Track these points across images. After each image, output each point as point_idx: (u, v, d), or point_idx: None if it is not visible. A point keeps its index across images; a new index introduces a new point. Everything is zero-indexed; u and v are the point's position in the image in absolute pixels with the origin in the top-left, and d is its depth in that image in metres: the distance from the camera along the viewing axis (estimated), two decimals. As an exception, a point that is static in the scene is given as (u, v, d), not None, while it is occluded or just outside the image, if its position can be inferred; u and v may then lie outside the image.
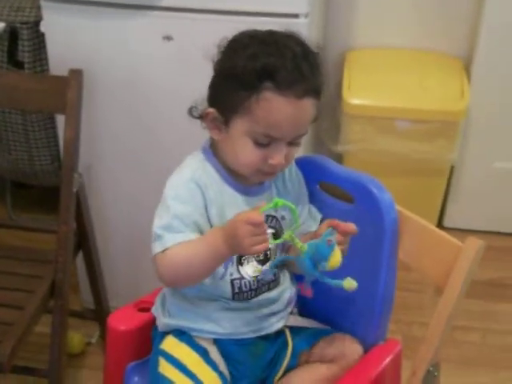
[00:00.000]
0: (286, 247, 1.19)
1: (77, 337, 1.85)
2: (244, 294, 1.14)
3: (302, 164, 1.23)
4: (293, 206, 1.01)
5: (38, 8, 1.67)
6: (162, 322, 1.19)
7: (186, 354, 1.14)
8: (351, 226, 1.05)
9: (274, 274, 1.18)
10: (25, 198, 2.41)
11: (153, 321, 1.23)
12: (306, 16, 1.51)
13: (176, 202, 1.07)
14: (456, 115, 2.08)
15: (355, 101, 2.08)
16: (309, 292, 1.08)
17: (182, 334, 1.16)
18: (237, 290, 1.14)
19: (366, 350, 1.20)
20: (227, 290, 1.13)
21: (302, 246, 1.03)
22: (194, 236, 1.06)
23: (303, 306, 1.27)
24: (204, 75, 1.08)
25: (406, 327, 1.94)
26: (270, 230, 1.13)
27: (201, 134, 1.14)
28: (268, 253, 1.15)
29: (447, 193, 2.33)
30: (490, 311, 2.05)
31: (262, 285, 1.16)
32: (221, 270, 1.11)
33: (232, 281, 1.13)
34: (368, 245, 1.16)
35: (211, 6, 1.51)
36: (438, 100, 2.09)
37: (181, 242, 1.05)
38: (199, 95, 1.10)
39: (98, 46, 1.59)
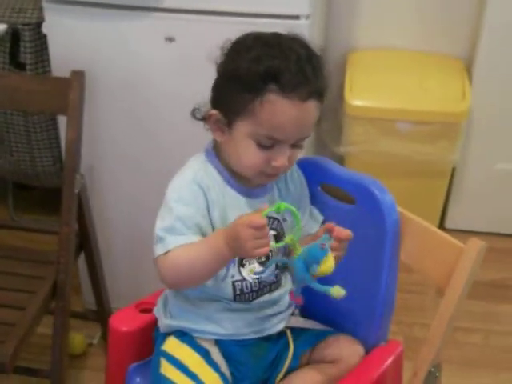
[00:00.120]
0: (287, 250, 1.19)
1: (78, 338, 1.85)
2: (245, 295, 1.14)
3: (304, 165, 1.23)
4: (295, 211, 1.01)
5: (40, 9, 1.68)
6: (164, 323, 1.19)
7: (188, 355, 1.14)
8: (345, 232, 1.04)
9: (276, 276, 1.18)
10: (26, 199, 2.41)
11: (154, 322, 1.23)
12: (308, 17, 1.51)
13: (179, 204, 1.07)
14: (458, 116, 2.08)
15: (357, 102, 2.09)
16: (299, 300, 1.07)
17: (183, 335, 1.16)
18: (238, 292, 1.14)
19: (367, 351, 1.20)
20: (228, 291, 1.13)
21: (299, 249, 1.02)
22: (196, 238, 1.06)
23: (305, 307, 1.26)
24: (206, 77, 1.08)
25: (407, 328, 1.94)
26: (271, 232, 1.13)
27: (202, 135, 1.14)
28: (270, 255, 1.15)
29: (449, 194, 2.32)
30: (492, 312, 2.05)
31: (264, 286, 1.16)
32: (222, 271, 1.11)
33: (233, 282, 1.13)
34: (369, 246, 1.16)
35: (213, 7, 1.51)
36: (440, 101, 2.09)
37: (183, 244, 1.05)
38: (201, 97, 1.10)
39: (100, 48, 1.59)
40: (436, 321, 1.10)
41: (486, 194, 2.31)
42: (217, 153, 1.14)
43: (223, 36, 1.09)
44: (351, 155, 2.15)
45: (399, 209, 1.16)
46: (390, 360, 1.18)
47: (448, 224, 2.36)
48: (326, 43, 2.21)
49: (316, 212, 1.23)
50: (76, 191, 1.55)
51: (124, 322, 1.24)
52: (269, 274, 1.16)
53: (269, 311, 1.18)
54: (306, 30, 1.48)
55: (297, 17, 1.50)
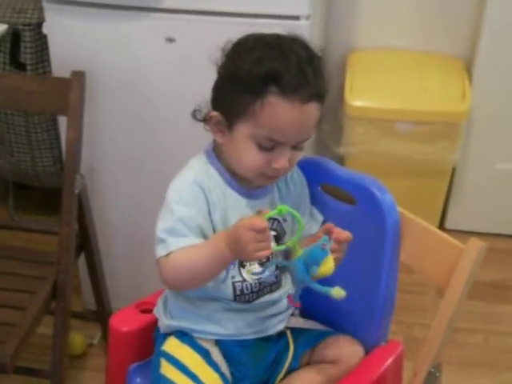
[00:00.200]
0: (287, 251, 1.19)
1: (79, 338, 1.85)
2: (246, 296, 1.15)
3: (304, 166, 1.23)
4: (297, 214, 1.01)
5: (41, 10, 1.68)
6: (164, 323, 1.19)
7: (188, 355, 1.14)
8: (344, 234, 1.04)
9: (276, 276, 1.18)
10: (27, 199, 2.41)
11: (154, 322, 1.23)
12: (308, 18, 1.51)
13: (180, 206, 1.07)
14: (458, 116, 2.08)
15: (357, 103, 2.09)
16: (297, 305, 1.08)
17: (183, 336, 1.16)
18: (238, 293, 1.14)
19: (367, 352, 1.20)
20: (229, 292, 1.13)
21: (299, 250, 1.02)
22: (197, 240, 1.06)
23: (305, 308, 1.26)
24: (206, 77, 1.08)
25: (407, 329, 1.94)
26: (272, 233, 1.13)
27: (203, 136, 1.14)
28: (270, 257, 1.15)
29: (449, 194, 2.32)
30: (492, 313, 2.05)
31: (264, 287, 1.16)
32: (223, 272, 1.11)
33: (234, 283, 1.13)
34: (370, 246, 1.16)
35: (213, 7, 1.51)
36: (440, 101, 2.09)
37: (184, 246, 1.05)
38: (201, 98, 1.10)
39: (101, 48, 1.59)
40: (436, 321, 1.10)
41: (487, 194, 2.31)
42: (217, 154, 1.14)
43: (223, 36, 1.09)
44: (351, 155, 2.15)
45: (399, 209, 1.16)
46: (390, 360, 1.18)
47: (448, 224, 2.36)
48: (325, 44, 2.21)
49: (316, 212, 1.23)
50: (76, 191, 1.55)
51: (124, 322, 1.24)
52: (269, 274, 1.16)
53: (269, 312, 1.18)
54: (306, 30, 1.48)
55: (297, 17, 1.50)
